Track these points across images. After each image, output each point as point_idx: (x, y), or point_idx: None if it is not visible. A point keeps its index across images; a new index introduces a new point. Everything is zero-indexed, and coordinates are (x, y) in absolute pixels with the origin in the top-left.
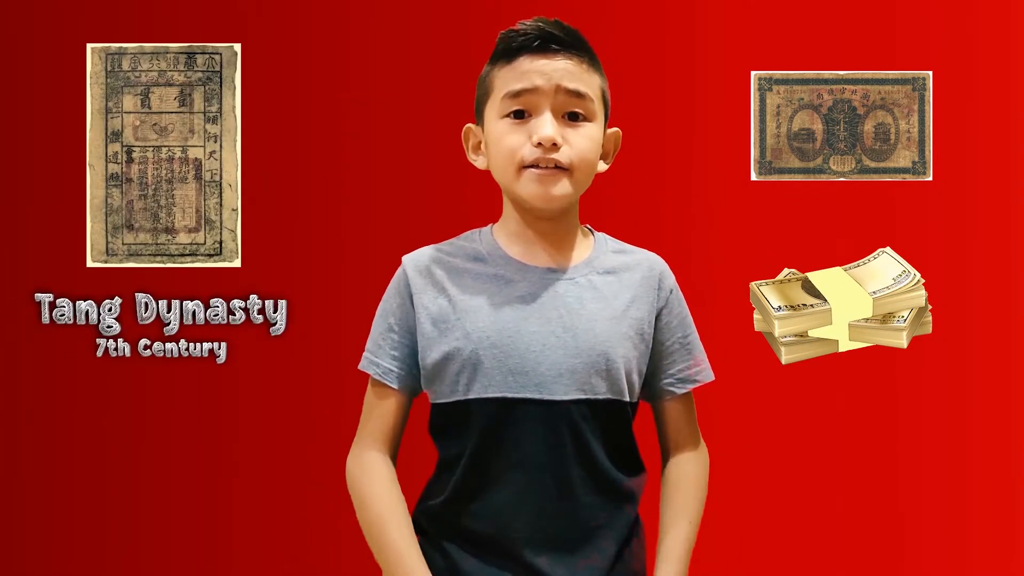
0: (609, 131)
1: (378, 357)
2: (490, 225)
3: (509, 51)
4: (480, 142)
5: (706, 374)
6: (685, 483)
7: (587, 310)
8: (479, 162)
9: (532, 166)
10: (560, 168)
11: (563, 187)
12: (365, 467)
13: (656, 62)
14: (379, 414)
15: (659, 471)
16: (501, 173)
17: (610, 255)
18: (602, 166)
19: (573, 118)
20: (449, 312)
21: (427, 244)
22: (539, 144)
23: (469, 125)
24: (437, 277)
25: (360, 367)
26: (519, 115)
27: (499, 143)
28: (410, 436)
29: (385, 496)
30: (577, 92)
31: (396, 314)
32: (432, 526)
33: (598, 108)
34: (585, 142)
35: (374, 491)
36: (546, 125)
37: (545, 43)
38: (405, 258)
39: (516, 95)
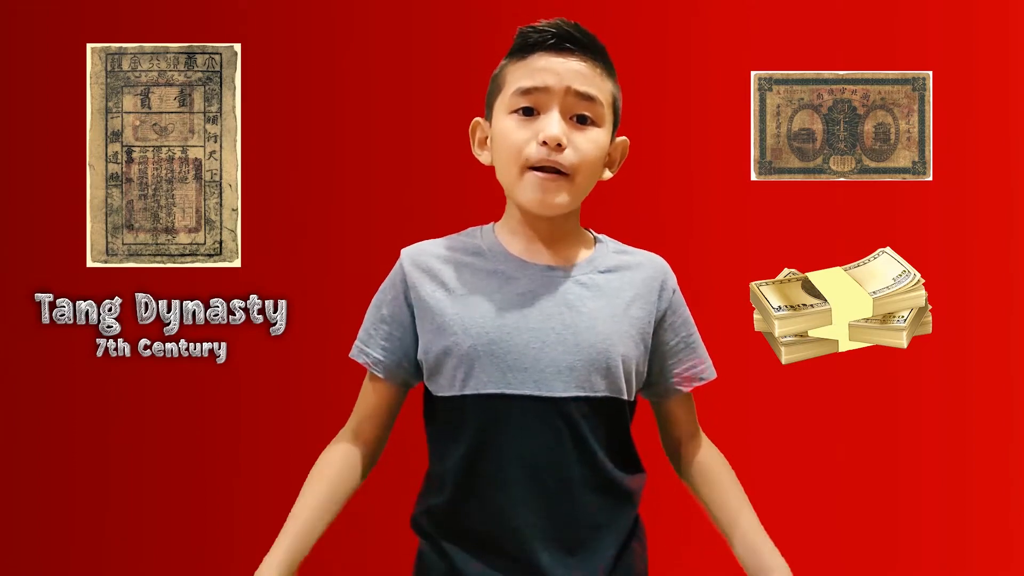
0: (617, 140)
1: (368, 346)
2: (492, 223)
3: (524, 47)
4: (486, 137)
5: (710, 372)
6: (718, 464)
7: (588, 308)
8: (483, 157)
9: (535, 168)
10: (562, 174)
11: (561, 196)
12: (327, 450)
13: (656, 62)
14: (364, 402)
15: (661, 472)
16: (504, 170)
17: (611, 255)
18: (607, 174)
19: (581, 121)
20: (447, 307)
21: (428, 239)
22: (544, 143)
23: (478, 119)
24: (436, 271)
25: (350, 355)
26: (527, 112)
27: (505, 138)
28: (411, 435)
29: (313, 480)
30: (587, 95)
31: (389, 306)
32: (432, 527)
33: (607, 114)
34: (590, 146)
35: (314, 472)
36: (552, 124)
37: (561, 42)
38: (403, 251)
39: (526, 92)
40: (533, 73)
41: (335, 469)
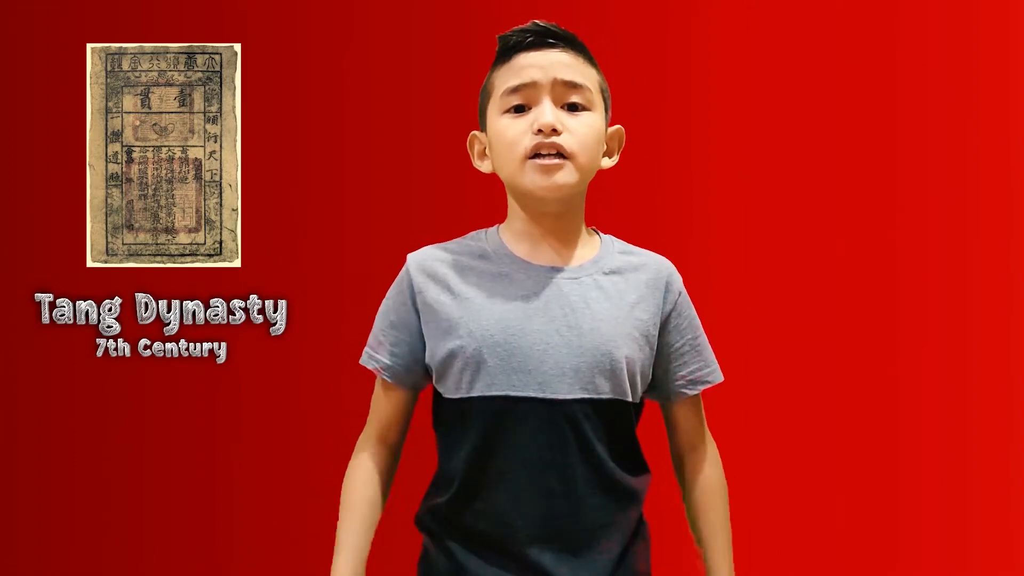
0: (612, 128)
1: (377, 353)
2: (496, 225)
3: (506, 51)
4: (485, 147)
5: (716, 375)
6: (714, 491)
7: (592, 309)
8: (484, 166)
9: (535, 156)
10: (562, 156)
11: (566, 175)
12: (356, 461)
13: (656, 63)
14: (380, 409)
15: (666, 472)
16: (505, 166)
17: (616, 256)
18: (607, 162)
19: (572, 108)
20: (453, 310)
21: (428, 244)
22: (539, 131)
23: (474, 132)
24: (441, 275)
25: (360, 362)
26: (519, 109)
27: (501, 136)
28: (416, 435)
29: (355, 492)
30: (574, 83)
31: (397, 311)
32: (437, 525)
33: (596, 99)
34: (585, 129)
35: (351, 484)
36: (546, 112)
37: (540, 38)
38: (410, 256)
39: (515, 90)
40: (518, 71)
41: (374, 486)
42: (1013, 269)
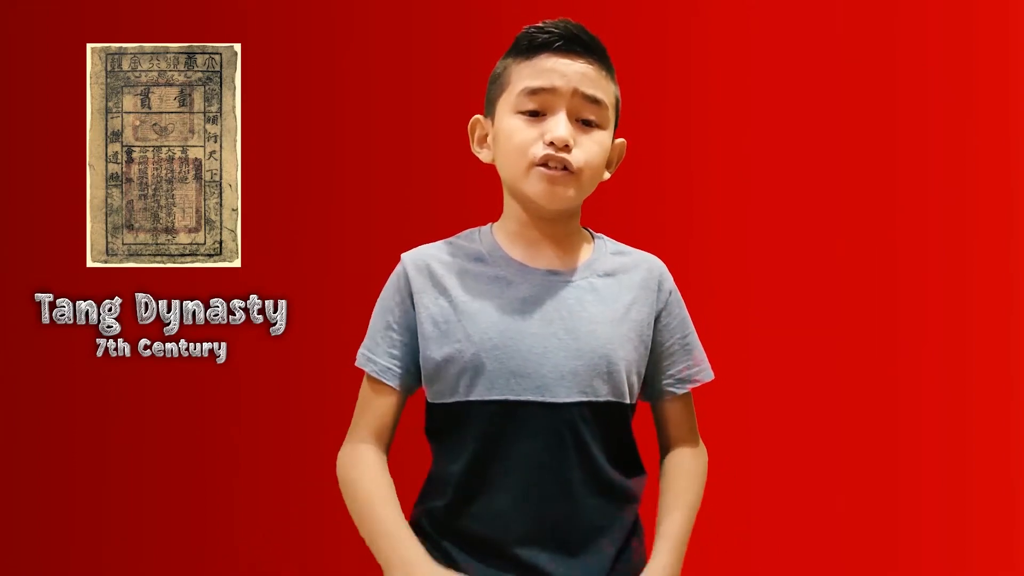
0: (616, 141)
1: (375, 355)
2: (489, 224)
3: (531, 47)
4: (487, 135)
5: (706, 373)
6: (683, 472)
7: (588, 312)
8: (483, 155)
9: (542, 165)
10: (568, 171)
11: (569, 190)
12: (355, 457)
13: (656, 63)
14: (373, 411)
15: (657, 472)
16: (509, 168)
17: (609, 257)
18: (605, 175)
19: (586, 123)
20: (450, 313)
21: (428, 243)
22: (551, 144)
23: (477, 117)
24: (438, 277)
25: (357, 364)
26: (534, 113)
27: (511, 138)
28: (408, 436)
29: (373, 482)
30: (594, 98)
31: (395, 312)
32: (432, 528)
33: (610, 116)
34: (595, 148)
35: (364, 476)
36: (560, 126)
37: (568, 44)
38: (405, 256)
39: (533, 92)
40: (540, 74)
41: (382, 470)
42: (1013, 269)
